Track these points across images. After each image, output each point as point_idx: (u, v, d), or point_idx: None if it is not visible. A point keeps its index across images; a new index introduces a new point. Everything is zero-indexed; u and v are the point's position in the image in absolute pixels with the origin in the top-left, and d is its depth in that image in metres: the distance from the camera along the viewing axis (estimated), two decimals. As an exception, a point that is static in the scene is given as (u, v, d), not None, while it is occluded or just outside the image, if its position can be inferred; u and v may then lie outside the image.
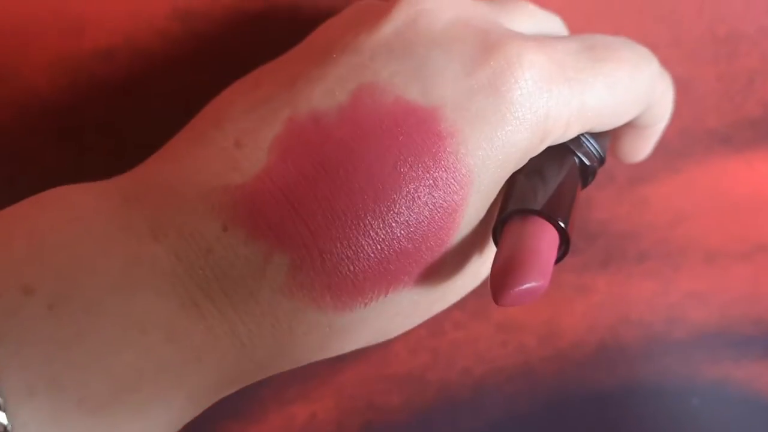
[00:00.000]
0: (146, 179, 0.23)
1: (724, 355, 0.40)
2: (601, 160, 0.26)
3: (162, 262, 0.21)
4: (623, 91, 0.24)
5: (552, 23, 0.27)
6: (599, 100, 0.24)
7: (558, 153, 0.25)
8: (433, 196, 0.22)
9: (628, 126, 0.27)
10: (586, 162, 0.25)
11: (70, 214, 0.21)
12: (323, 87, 0.22)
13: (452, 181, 0.22)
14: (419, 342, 0.36)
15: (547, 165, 0.24)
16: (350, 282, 0.22)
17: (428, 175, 0.22)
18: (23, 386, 0.18)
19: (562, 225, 0.22)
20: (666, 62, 0.27)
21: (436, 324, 0.36)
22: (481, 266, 0.25)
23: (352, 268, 0.21)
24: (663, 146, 0.34)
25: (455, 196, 0.22)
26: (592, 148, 0.25)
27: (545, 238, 0.22)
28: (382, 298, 0.22)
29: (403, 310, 0.23)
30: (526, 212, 0.23)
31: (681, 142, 0.35)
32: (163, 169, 0.23)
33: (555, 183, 0.24)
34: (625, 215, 0.36)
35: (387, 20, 0.23)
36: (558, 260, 0.23)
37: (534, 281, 0.21)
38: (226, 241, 0.21)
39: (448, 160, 0.22)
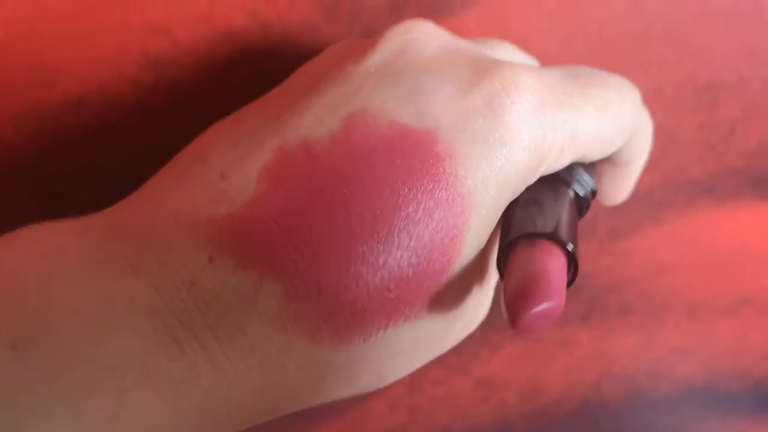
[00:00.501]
0: (126, 215, 0.22)
1: (710, 412, 0.40)
2: (593, 192, 0.26)
3: (140, 297, 0.19)
4: (612, 115, 0.24)
5: (531, 62, 0.27)
6: (591, 124, 0.24)
7: (552, 184, 0.25)
8: (433, 218, 0.21)
9: (609, 164, 0.28)
10: (580, 193, 0.25)
11: (42, 249, 0.20)
12: (312, 117, 0.22)
13: (453, 202, 0.21)
14: (398, 399, 0.36)
15: (542, 196, 0.24)
16: (348, 313, 0.20)
17: (428, 197, 0.21)
18: None
19: (570, 248, 0.22)
20: (648, 111, 0.27)
21: (415, 380, 0.36)
22: (479, 304, 0.25)
23: (350, 297, 0.20)
24: (645, 197, 0.34)
25: (456, 219, 0.21)
26: (584, 179, 0.25)
27: (555, 261, 0.22)
28: (382, 333, 0.21)
29: (404, 349, 0.22)
30: (533, 237, 0.22)
31: (663, 193, 0.35)
32: (143, 205, 0.22)
33: (555, 210, 0.24)
34: (606, 268, 0.36)
35: (374, 50, 0.23)
36: (569, 284, 0.22)
37: (550, 301, 0.20)
38: (212, 272, 0.20)
39: (447, 181, 0.21)
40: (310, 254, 0.20)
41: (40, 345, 0.18)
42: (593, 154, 0.25)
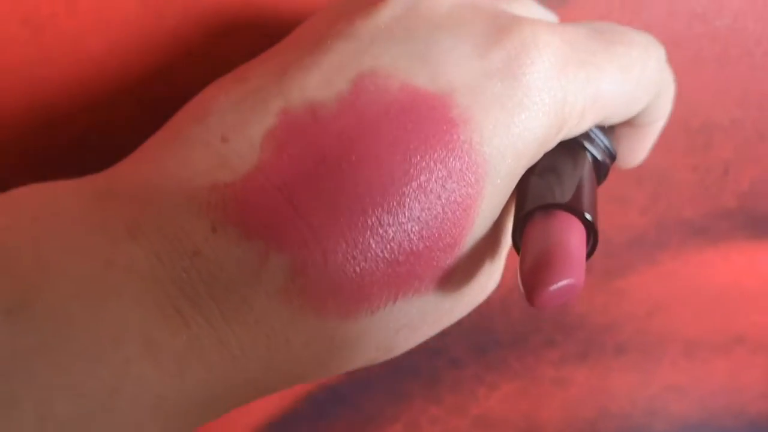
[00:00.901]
0: (123, 176, 0.21)
1: (706, 450, 0.40)
2: (613, 157, 0.24)
3: (140, 263, 0.18)
4: (637, 75, 0.23)
5: (551, 18, 0.26)
6: (614, 85, 0.22)
7: (570, 150, 0.23)
8: (446, 188, 0.20)
9: (628, 126, 0.26)
10: (599, 158, 0.24)
11: (35, 209, 0.19)
12: (318, 76, 0.20)
13: (467, 171, 0.20)
14: None
15: (560, 162, 0.23)
16: (356, 286, 0.20)
17: (441, 166, 0.20)
18: None
19: (590, 218, 0.21)
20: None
21: (411, 419, 0.36)
22: (489, 278, 0.23)
23: (358, 269, 0.19)
24: (639, 237, 0.34)
25: (470, 189, 0.20)
26: (603, 144, 0.24)
27: (574, 233, 0.21)
28: (391, 306, 0.20)
29: (410, 322, 0.21)
30: (550, 207, 0.21)
31: (657, 234, 0.35)
32: (141, 168, 0.21)
33: (573, 178, 0.22)
34: (602, 307, 0.36)
35: (385, 5, 0.22)
36: (588, 256, 0.21)
37: (569, 278, 0.19)
38: (215, 242, 0.19)
39: (462, 149, 0.20)
40: (317, 225, 0.19)
41: (34, 311, 0.17)
42: (615, 116, 0.24)
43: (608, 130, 0.25)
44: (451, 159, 0.20)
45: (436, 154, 0.20)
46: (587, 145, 0.24)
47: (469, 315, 0.24)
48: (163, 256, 0.18)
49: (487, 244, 0.22)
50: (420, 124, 0.20)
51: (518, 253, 0.21)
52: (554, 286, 0.19)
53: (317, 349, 0.20)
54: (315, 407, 0.33)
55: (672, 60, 0.25)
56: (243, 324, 0.19)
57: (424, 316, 0.21)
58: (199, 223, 0.19)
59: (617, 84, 0.22)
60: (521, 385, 0.37)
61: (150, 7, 0.26)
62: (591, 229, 0.21)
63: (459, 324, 0.24)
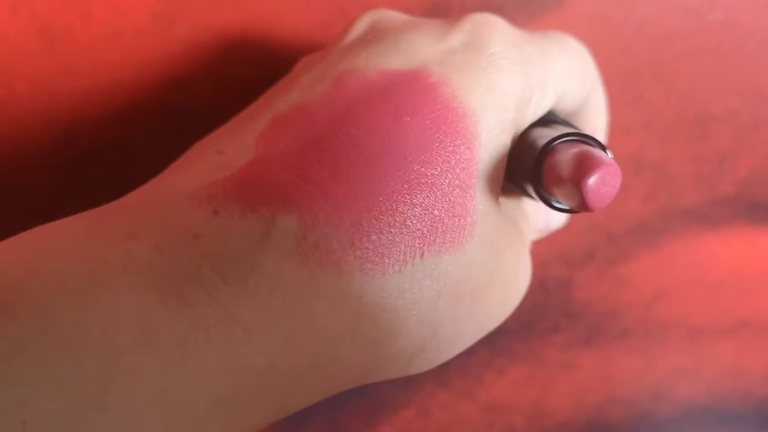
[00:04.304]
0: (123, 200, 0.20)
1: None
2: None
3: (137, 258, 0.17)
4: (578, 57, 0.25)
5: None
6: (561, 61, 0.24)
7: (544, 125, 0.24)
8: (443, 142, 0.20)
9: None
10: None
11: (39, 235, 0.18)
12: (300, 88, 0.21)
13: (458, 121, 0.20)
14: (406, 423, 0.36)
15: (541, 132, 0.23)
16: (375, 236, 0.19)
17: (432, 117, 0.20)
18: None
19: (601, 141, 0.21)
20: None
21: (422, 404, 0.36)
22: (519, 264, 0.23)
23: (373, 219, 0.19)
24: (640, 225, 0.35)
25: (467, 137, 0.20)
26: (568, 122, 0.25)
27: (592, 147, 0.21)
28: (419, 260, 0.19)
29: (446, 288, 0.20)
30: (556, 141, 0.21)
31: (659, 221, 0.35)
32: (141, 191, 0.21)
33: (565, 127, 0.23)
34: (606, 293, 0.36)
35: (347, 34, 0.23)
36: None
37: (611, 162, 0.19)
38: (217, 222, 0.18)
39: (449, 105, 0.20)
40: (323, 184, 0.19)
41: (17, 312, 0.16)
42: (570, 93, 0.24)
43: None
44: (442, 110, 0.20)
45: (425, 111, 0.20)
46: (556, 119, 0.24)
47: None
48: (163, 247, 0.18)
49: (495, 204, 0.22)
50: (404, 94, 0.20)
51: (543, 199, 0.21)
52: (601, 171, 0.19)
53: (345, 313, 0.19)
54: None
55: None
56: (254, 293, 0.18)
57: (458, 285, 0.21)
58: (200, 212, 0.18)
59: (563, 61, 0.24)
60: (528, 370, 0.37)
61: (163, 19, 0.27)
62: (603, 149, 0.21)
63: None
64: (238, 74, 0.28)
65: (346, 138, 0.19)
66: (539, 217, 0.27)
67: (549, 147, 0.21)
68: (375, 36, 0.23)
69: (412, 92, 0.20)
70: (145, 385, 0.16)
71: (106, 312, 0.16)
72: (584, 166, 0.19)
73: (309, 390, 0.20)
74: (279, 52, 0.26)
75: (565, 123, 0.24)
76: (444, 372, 0.36)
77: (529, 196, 0.23)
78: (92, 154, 0.28)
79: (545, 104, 0.23)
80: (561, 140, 0.21)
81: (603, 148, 0.21)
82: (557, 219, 0.28)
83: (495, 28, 0.22)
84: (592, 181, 0.19)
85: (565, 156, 0.20)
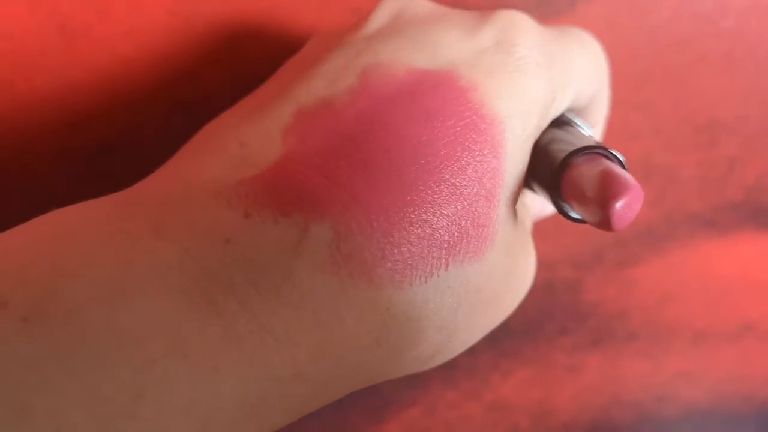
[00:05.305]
0: (143, 189, 0.20)
1: (716, 434, 0.40)
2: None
3: (166, 260, 0.17)
4: (592, 51, 0.25)
5: None
6: (579, 58, 0.24)
7: (559, 127, 0.24)
8: (473, 149, 0.20)
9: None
10: (586, 132, 0.24)
11: (55, 223, 0.18)
12: (324, 80, 0.21)
13: (487, 129, 0.20)
14: (412, 421, 0.36)
15: (558, 135, 0.23)
16: (406, 248, 0.19)
17: (462, 123, 0.20)
18: None
19: (620, 157, 0.21)
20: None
21: (429, 403, 0.36)
22: (527, 261, 0.23)
23: (404, 230, 0.19)
24: (648, 230, 0.35)
25: (494, 145, 0.20)
26: (581, 122, 0.25)
27: (610, 163, 0.21)
28: (444, 271, 0.19)
29: (467, 296, 0.20)
30: (582, 151, 0.21)
31: (666, 226, 0.36)
32: (162, 180, 0.20)
33: (579, 137, 0.23)
34: (613, 296, 0.37)
35: (369, 20, 0.23)
36: None
37: (635, 185, 0.19)
38: (249, 226, 0.18)
39: (476, 110, 0.20)
40: (355, 191, 0.19)
41: (49, 317, 0.16)
42: (584, 92, 0.25)
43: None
44: (471, 115, 0.20)
45: (455, 115, 0.20)
46: (571, 120, 0.24)
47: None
48: (192, 249, 0.17)
49: (515, 213, 0.22)
50: (432, 96, 0.20)
51: (559, 208, 0.22)
52: (629, 196, 0.19)
53: (373, 324, 0.19)
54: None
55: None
56: (286, 303, 0.18)
57: (477, 294, 0.21)
58: (230, 213, 0.18)
59: (581, 58, 0.24)
60: (535, 372, 0.37)
61: (178, 15, 0.27)
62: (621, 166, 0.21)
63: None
64: (252, 70, 0.29)
65: (377, 142, 0.19)
66: (536, 206, 0.27)
67: (569, 160, 0.21)
68: (400, 27, 0.22)
69: (442, 96, 0.20)
70: (177, 395, 0.16)
71: (138, 319, 0.16)
72: (612, 189, 0.19)
73: (330, 394, 0.20)
74: (293, 48, 0.26)
75: (574, 122, 0.25)
76: (451, 372, 0.36)
77: (532, 190, 0.23)
78: (105, 147, 0.28)
79: (564, 105, 0.24)
80: (582, 153, 0.21)
81: (622, 164, 0.21)
82: (551, 207, 0.28)
83: (524, 29, 0.22)
84: (619, 206, 0.19)
85: (589, 173, 0.20)
